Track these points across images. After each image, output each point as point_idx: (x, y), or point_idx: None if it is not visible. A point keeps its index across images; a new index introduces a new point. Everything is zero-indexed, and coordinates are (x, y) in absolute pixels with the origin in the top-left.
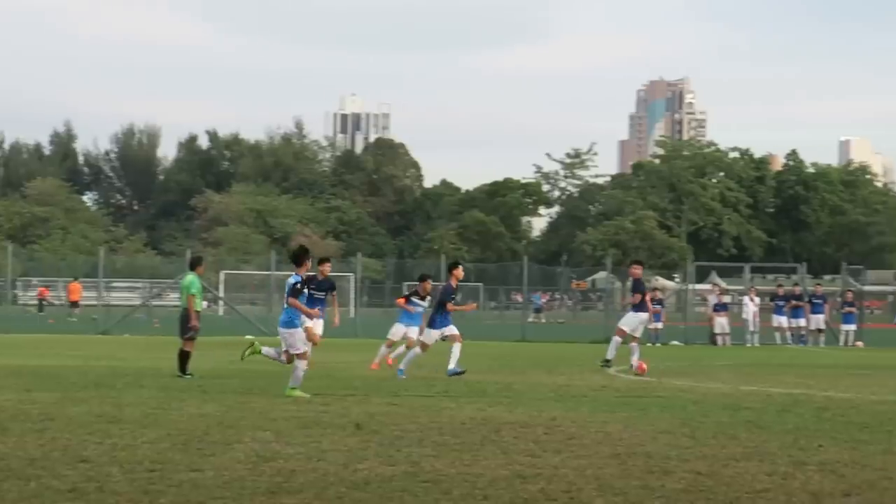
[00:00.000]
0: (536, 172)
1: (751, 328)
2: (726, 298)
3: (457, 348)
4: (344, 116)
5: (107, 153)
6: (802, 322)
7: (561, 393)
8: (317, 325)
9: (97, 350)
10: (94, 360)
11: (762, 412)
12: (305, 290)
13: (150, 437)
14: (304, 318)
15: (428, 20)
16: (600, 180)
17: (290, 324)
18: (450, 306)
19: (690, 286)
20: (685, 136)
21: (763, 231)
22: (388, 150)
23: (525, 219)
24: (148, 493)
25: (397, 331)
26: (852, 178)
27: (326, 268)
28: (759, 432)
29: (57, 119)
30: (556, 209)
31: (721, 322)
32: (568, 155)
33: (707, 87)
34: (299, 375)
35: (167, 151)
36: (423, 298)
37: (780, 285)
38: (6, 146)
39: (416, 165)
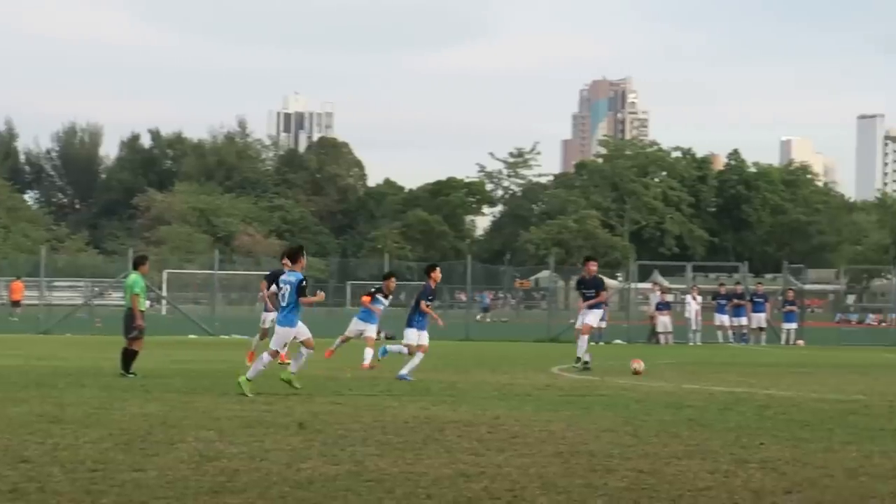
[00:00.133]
0: (480, 172)
1: (693, 327)
2: (669, 297)
3: (418, 357)
4: (287, 115)
5: (48, 152)
6: (744, 321)
7: (504, 392)
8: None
9: (39, 349)
10: (35, 360)
11: (704, 410)
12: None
13: (92, 437)
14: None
15: (372, 19)
16: (543, 179)
17: (290, 323)
18: (423, 305)
19: (633, 285)
20: (628, 136)
21: (705, 230)
22: (331, 150)
23: (468, 218)
24: (90, 494)
25: (355, 327)
26: (793, 178)
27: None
28: (702, 430)
29: None
30: (499, 208)
31: (664, 321)
32: (511, 154)
33: (649, 87)
34: (260, 368)
35: (109, 150)
36: (387, 297)
37: (721, 284)
38: None
39: (359, 164)
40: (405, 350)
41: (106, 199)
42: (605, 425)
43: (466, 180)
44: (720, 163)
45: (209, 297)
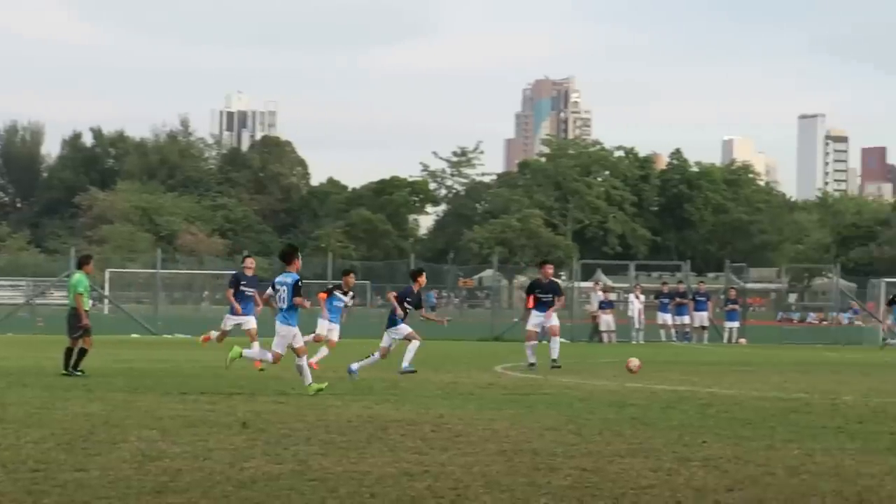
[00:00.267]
0: (423, 171)
1: (636, 325)
2: (612, 296)
3: (374, 358)
4: (230, 114)
5: None
6: (686, 319)
7: (448, 391)
8: (249, 322)
9: None
10: None
11: (647, 409)
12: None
13: (34, 437)
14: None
15: (314, 18)
16: (487, 179)
17: (291, 322)
18: (390, 295)
19: (576, 284)
20: (571, 135)
21: (648, 229)
22: (274, 148)
23: (412, 217)
24: (32, 494)
25: (321, 327)
26: (735, 178)
27: (251, 262)
28: (644, 429)
29: None
30: (442, 207)
31: (606, 319)
32: (454, 153)
33: (592, 86)
34: (252, 355)
35: (51, 149)
36: (345, 293)
37: (664, 283)
38: None
39: (302, 163)
40: (418, 343)
41: (47, 197)
42: (549, 424)
43: (410, 179)
44: (662, 162)
45: (152, 296)
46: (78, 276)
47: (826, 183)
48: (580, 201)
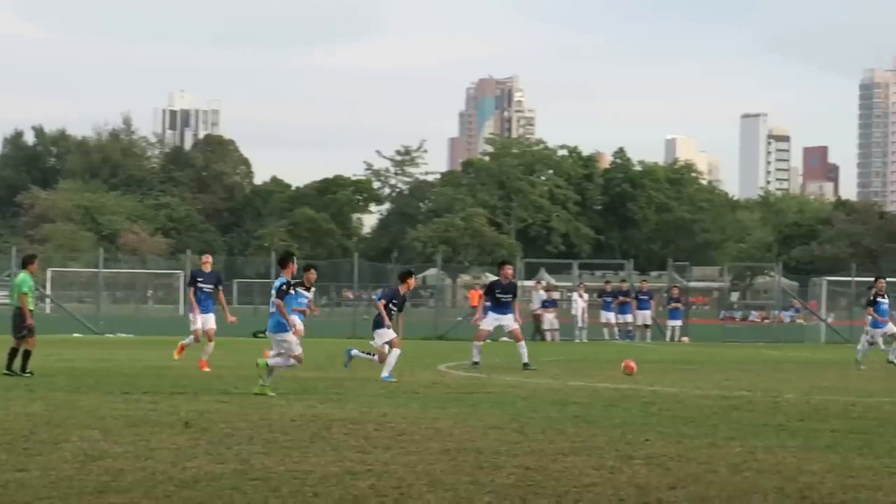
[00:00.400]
0: (367, 170)
1: (579, 324)
2: (555, 295)
3: (393, 355)
4: (173, 113)
5: None
6: (629, 318)
7: (391, 389)
8: (208, 321)
9: None
10: None
11: (590, 407)
12: (292, 291)
13: None
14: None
15: (259, 16)
16: (430, 178)
17: (281, 328)
18: (380, 304)
19: (520, 283)
20: (514, 135)
21: (591, 228)
22: (217, 147)
23: (356, 216)
24: None
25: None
26: (678, 177)
27: (208, 258)
28: (587, 427)
29: None
30: (386, 206)
31: (550, 318)
32: (398, 152)
33: (536, 85)
34: (278, 363)
35: None
36: (308, 289)
37: (607, 282)
38: None
39: (246, 162)
40: (376, 357)
41: None
42: (492, 422)
43: (353, 178)
44: (606, 161)
45: (94, 295)
46: (22, 276)
47: (768, 182)
48: (524, 200)
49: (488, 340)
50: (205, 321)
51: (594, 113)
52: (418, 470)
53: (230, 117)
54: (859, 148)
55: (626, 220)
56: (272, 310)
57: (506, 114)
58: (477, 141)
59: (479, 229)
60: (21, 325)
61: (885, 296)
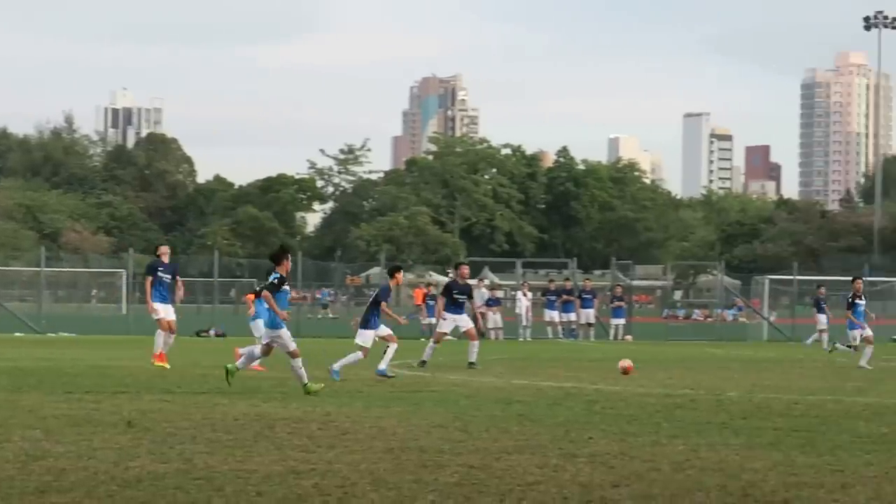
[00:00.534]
0: (310, 168)
1: (523, 323)
2: (499, 293)
3: (391, 349)
4: (115, 111)
5: None
6: (573, 316)
7: (335, 388)
8: (169, 312)
9: None
10: None
11: (534, 405)
12: (286, 287)
13: None
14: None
15: (201, 14)
16: (374, 176)
17: (275, 325)
18: (383, 306)
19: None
20: (458, 133)
21: (534, 227)
22: (159, 145)
23: (299, 214)
24: None
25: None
26: (621, 175)
27: (165, 249)
28: (531, 425)
29: None
30: (330, 205)
31: (494, 317)
32: (342, 151)
33: (479, 84)
34: (301, 373)
35: None
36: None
37: (551, 280)
38: None
39: (188, 161)
40: (360, 355)
41: None
42: (436, 421)
43: (297, 177)
44: (549, 160)
45: (36, 294)
46: None
47: (711, 181)
48: (467, 199)
49: (424, 339)
50: (166, 312)
51: (537, 112)
52: (362, 469)
53: (173, 116)
54: (801, 147)
55: (570, 218)
56: (266, 306)
57: (449, 113)
58: (420, 140)
59: (423, 228)
60: None
61: (863, 297)
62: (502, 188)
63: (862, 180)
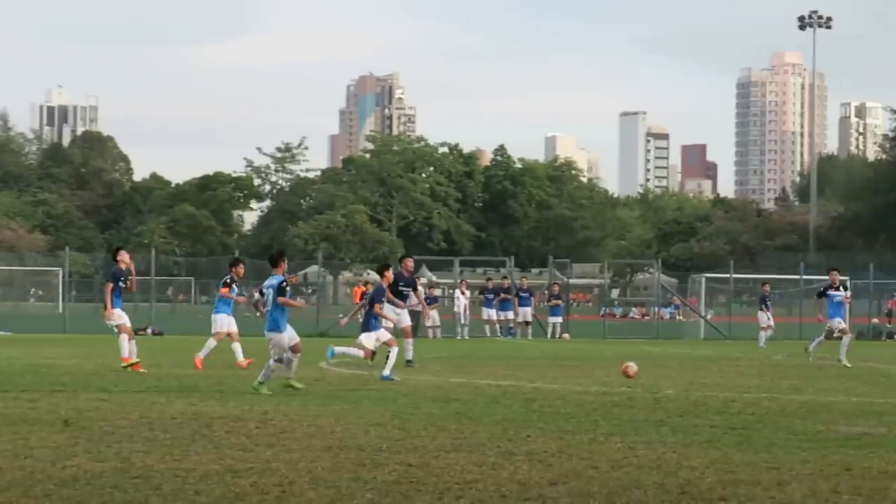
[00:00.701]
0: (247, 167)
1: (461, 321)
2: (437, 292)
3: (394, 353)
4: (50, 109)
5: None
6: (511, 315)
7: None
8: (126, 318)
9: None
10: None
11: (472, 404)
12: (289, 289)
13: None
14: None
15: (137, 11)
16: (311, 174)
17: (277, 327)
18: (376, 308)
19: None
20: (395, 132)
21: (472, 225)
22: (95, 144)
23: (236, 213)
24: None
25: (222, 323)
26: (558, 174)
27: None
28: (469, 423)
29: None
30: (267, 203)
31: (432, 315)
32: (279, 149)
33: (416, 83)
34: (293, 368)
35: None
36: (238, 284)
37: (489, 279)
38: None
39: (125, 159)
40: (360, 353)
41: None
42: (374, 419)
43: (234, 175)
44: (486, 159)
45: None
46: None
47: (647, 179)
48: (405, 197)
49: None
50: (124, 317)
51: (475, 111)
52: (300, 467)
53: (109, 114)
54: (737, 146)
55: (507, 217)
56: (268, 308)
57: (386, 111)
58: (358, 138)
59: (361, 226)
60: None
61: (840, 287)
62: (440, 187)
63: (797, 179)
